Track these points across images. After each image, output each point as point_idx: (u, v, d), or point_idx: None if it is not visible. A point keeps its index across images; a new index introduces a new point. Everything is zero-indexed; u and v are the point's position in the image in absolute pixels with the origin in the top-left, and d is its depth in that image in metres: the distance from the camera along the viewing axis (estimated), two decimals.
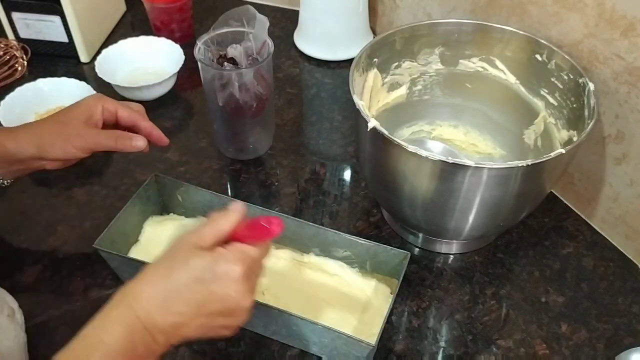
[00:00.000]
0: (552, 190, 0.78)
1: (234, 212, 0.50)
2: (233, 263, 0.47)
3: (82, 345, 0.45)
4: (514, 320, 0.65)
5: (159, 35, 0.97)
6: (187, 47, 0.87)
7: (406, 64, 0.74)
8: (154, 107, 0.87)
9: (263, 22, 0.72)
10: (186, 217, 0.73)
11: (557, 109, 0.69)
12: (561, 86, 0.68)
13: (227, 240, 0.49)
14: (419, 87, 0.77)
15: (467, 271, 0.70)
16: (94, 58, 0.96)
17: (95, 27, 0.86)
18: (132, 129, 0.66)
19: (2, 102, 0.83)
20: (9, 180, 0.66)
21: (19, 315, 0.61)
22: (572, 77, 0.66)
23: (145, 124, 0.66)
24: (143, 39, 0.96)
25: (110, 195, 0.78)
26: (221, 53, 0.74)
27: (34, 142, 0.62)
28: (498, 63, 0.73)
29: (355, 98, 0.61)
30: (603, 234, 0.74)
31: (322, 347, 0.60)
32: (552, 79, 0.68)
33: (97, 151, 0.64)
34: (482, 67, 0.74)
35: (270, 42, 0.74)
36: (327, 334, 0.57)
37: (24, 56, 0.96)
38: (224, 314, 0.49)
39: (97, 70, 0.89)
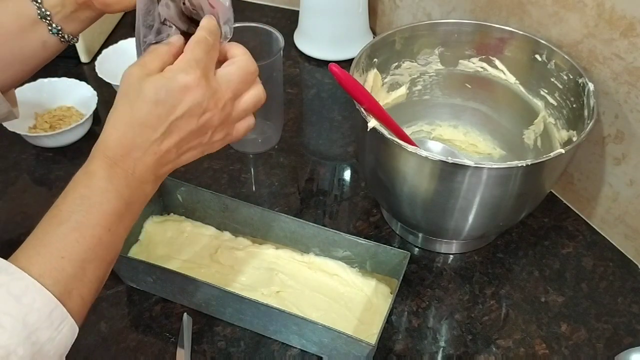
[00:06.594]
0: (552, 190, 0.78)
1: (173, 41, 0.48)
2: (185, 72, 0.45)
3: (65, 201, 0.44)
4: (514, 320, 0.65)
5: None
6: None
7: (406, 64, 0.74)
8: None
9: None
10: (186, 217, 0.73)
11: (556, 109, 0.69)
12: (561, 86, 0.68)
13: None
14: (419, 87, 0.77)
15: (467, 271, 0.70)
16: (94, 58, 0.96)
17: (95, 27, 0.85)
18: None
19: None
20: (76, 39, 0.61)
21: None
22: (571, 77, 0.66)
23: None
24: None
25: None
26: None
27: None
28: (498, 63, 0.73)
29: None
30: (603, 233, 0.74)
31: (322, 347, 0.60)
32: (552, 79, 0.68)
33: None
34: (482, 67, 0.74)
35: (280, 36, 0.73)
36: (327, 334, 0.57)
37: None
38: (205, 126, 0.47)
39: (97, 70, 0.89)
